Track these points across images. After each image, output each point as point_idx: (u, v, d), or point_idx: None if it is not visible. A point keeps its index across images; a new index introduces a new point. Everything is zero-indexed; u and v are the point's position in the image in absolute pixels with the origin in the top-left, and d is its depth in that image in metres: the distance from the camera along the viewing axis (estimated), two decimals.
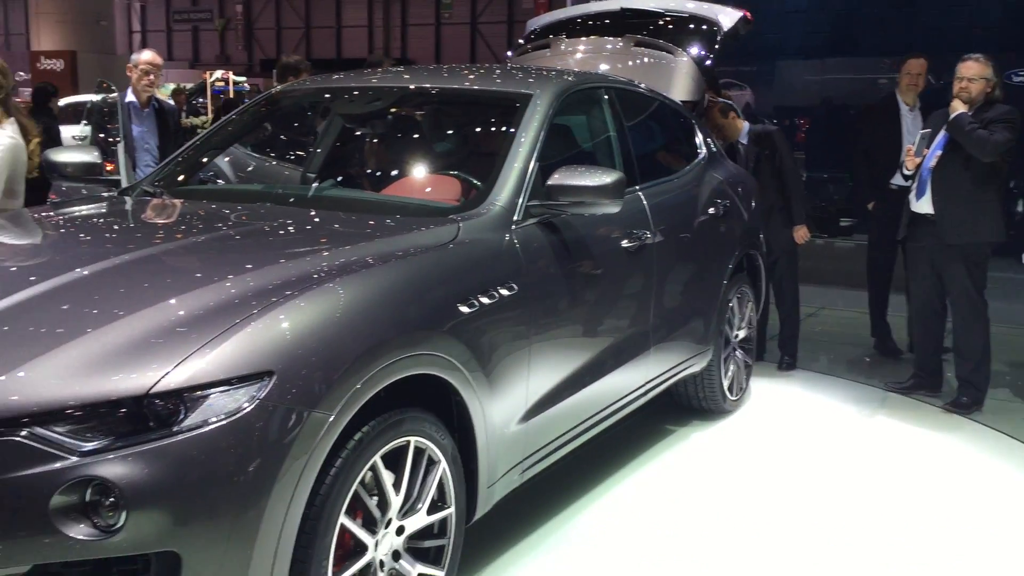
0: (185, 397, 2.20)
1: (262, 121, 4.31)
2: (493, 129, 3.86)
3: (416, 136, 4.09)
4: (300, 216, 3.28)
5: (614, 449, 4.43)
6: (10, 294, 2.47)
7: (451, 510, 2.90)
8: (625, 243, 3.84)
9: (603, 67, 5.23)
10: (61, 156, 3.85)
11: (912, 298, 5.66)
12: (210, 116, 12.96)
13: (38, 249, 3.10)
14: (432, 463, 2.80)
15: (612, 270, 3.78)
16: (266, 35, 38.52)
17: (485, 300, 2.98)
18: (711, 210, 4.69)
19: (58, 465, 2.11)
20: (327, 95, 4.26)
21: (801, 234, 5.81)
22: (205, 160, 4.03)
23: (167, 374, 2.20)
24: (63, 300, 2.46)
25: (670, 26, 5.44)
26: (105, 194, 3.83)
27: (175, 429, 2.18)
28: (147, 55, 5.80)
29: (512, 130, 3.53)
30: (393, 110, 4.04)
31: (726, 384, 4.96)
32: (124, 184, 4.02)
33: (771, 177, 5.69)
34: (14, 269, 2.78)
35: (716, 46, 5.30)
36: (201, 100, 18.22)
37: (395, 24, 36.22)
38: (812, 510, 3.95)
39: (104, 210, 3.52)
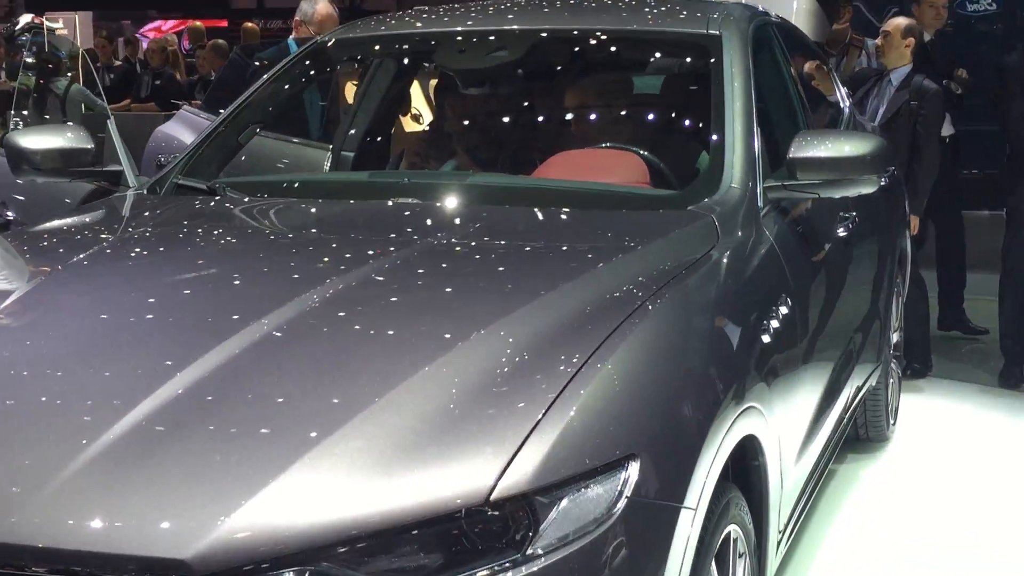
0: (535, 502, 1.48)
1: (308, 84, 3.13)
2: (674, 85, 2.85)
3: (560, 98, 2.97)
4: (488, 218, 2.31)
5: None
6: (182, 368, 1.61)
7: None
8: (840, 231, 2.91)
9: None
10: (26, 141, 2.61)
11: None
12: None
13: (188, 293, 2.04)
14: (739, 556, 2.00)
15: (835, 264, 2.90)
16: None
17: (775, 324, 2.18)
18: (881, 181, 3.70)
19: None
20: (407, 44, 3.08)
21: (912, 226, 4.79)
22: (241, 142, 2.88)
23: (504, 472, 1.47)
24: (264, 371, 1.64)
25: None
26: (127, 194, 2.63)
27: (529, 552, 1.46)
28: None
29: (711, 86, 2.57)
30: (524, 63, 2.91)
31: (891, 404, 3.97)
32: (131, 181, 2.75)
33: (903, 140, 4.61)
34: (149, 324, 1.84)
35: None
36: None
37: None
38: None
39: (178, 223, 2.43)
